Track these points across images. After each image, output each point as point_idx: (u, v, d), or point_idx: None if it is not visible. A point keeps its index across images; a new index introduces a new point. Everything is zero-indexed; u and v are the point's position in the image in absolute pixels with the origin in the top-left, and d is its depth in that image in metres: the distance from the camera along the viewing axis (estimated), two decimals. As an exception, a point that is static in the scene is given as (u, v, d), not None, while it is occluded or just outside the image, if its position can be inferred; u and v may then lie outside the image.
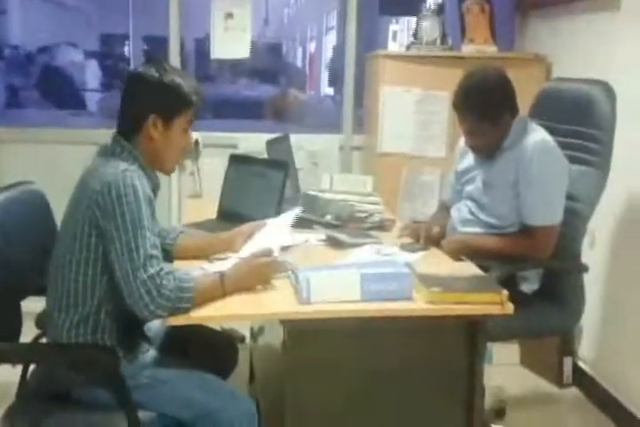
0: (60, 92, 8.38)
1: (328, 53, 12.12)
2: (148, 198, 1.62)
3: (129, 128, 1.71)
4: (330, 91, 10.16)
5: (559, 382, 2.90)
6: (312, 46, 13.87)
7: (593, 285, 2.66)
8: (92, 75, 9.68)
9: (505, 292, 1.63)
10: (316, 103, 6.58)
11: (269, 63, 9.93)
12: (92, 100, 8.92)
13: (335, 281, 1.61)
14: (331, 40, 12.18)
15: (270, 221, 2.02)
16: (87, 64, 9.77)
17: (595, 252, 2.69)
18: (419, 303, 1.62)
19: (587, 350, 2.87)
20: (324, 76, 11.64)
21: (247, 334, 2.89)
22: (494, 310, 1.61)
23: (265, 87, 8.65)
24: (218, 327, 2.18)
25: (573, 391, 2.87)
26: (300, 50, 14.56)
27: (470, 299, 1.61)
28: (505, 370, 2.91)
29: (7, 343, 1.67)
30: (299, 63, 13.75)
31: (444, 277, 1.71)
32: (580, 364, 2.88)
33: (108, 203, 1.56)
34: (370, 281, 1.61)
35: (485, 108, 2.12)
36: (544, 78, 3.19)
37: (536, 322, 2.20)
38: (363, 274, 1.61)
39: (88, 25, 10.90)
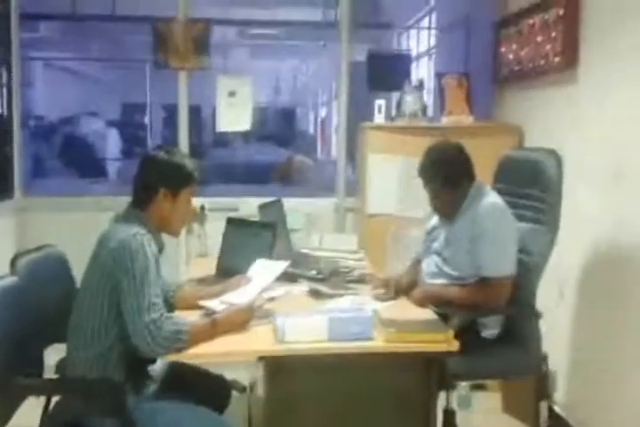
0: (81, 162, 8.70)
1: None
2: (154, 257, 1.95)
3: (143, 199, 2.04)
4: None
5: (537, 427, 3.10)
6: (323, 112, 14.41)
7: (564, 332, 2.89)
8: (112, 143, 10.12)
9: (450, 332, 1.92)
10: (320, 168, 7.06)
11: (281, 128, 10.38)
12: (112, 167, 9.33)
13: (307, 323, 1.91)
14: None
15: (258, 266, 2.32)
16: (108, 133, 10.25)
17: (564, 302, 2.92)
18: (378, 342, 1.91)
19: (561, 394, 3.03)
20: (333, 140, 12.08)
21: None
22: (441, 347, 1.90)
23: (275, 150, 8.98)
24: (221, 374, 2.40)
25: (550, 435, 3.06)
26: (311, 115, 15.12)
27: (420, 338, 1.90)
28: (487, 417, 3.10)
29: (34, 378, 2.00)
30: (310, 128, 14.28)
31: (401, 320, 2.00)
32: (556, 408, 3.05)
33: (122, 258, 1.89)
34: (336, 324, 1.90)
35: (445, 178, 2.43)
36: (516, 146, 3.49)
37: (497, 364, 2.45)
38: (330, 318, 1.91)
39: (108, 95, 11.47)
